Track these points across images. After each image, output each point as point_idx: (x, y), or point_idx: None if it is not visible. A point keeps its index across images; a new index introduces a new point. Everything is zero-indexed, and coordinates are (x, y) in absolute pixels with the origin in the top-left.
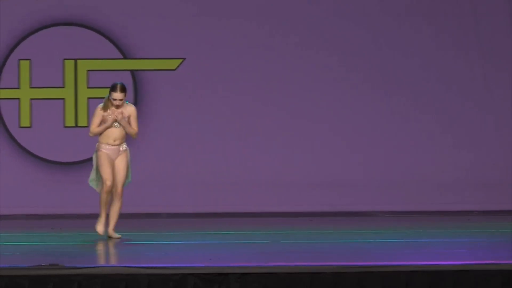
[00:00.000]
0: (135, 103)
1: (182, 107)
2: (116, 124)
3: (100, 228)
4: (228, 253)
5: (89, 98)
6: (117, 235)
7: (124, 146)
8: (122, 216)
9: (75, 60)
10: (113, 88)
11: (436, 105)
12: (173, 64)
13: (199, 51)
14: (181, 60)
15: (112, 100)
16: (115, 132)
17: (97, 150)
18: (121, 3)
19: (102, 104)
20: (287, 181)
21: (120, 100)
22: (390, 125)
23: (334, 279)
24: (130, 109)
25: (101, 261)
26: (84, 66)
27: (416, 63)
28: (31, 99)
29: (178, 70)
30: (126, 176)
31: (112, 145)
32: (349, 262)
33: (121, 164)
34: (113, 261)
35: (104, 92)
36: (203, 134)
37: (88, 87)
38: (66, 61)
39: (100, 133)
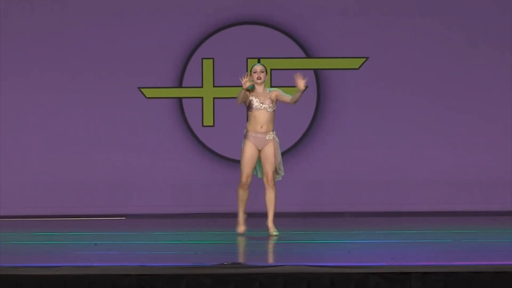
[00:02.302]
0: (317, 102)
1: (365, 106)
2: (260, 104)
3: (239, 228)
4: (410, 252)
5: None
6: (275, 232)
7: (271, 135)
8: (304, 215)
9: (258, 59)
10: (253, 65)
11: None
12: (356, 63)
13: (383, 50)
14: (365, 59)
15: (253, 74)
16: (262, 117)
17: (244, 137)
18: (304, 1)
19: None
20: (469, 180)
21: (261, 72)
22: None
23: None
24: (274, 90)
25: (283, 260)
26: (267, 65)
27: None
28: (214, 98)
29: (361, 69)
30: (277, 167)
31: (259, 133)
32: None
33: (268, 152)
34: (295, 260)
35: (287, 91)
36: (385, 134)
37: (272, 86)
38: (249, 60)
39: (242, 99)
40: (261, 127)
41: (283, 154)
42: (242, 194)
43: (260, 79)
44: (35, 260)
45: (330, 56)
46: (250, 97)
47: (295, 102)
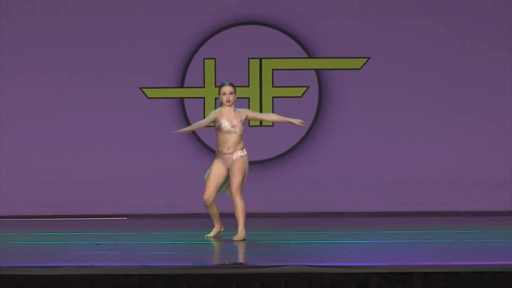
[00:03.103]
0: (319, 102)
1: (366, 106)
2: (231, 128)
3: (210, 235)
4: (411, 252)
5: (274, 97)
6: (242, 237)
7: (239, 153)
8: (305, 215)
9: (260, 59)
10: (221, 85)
11: None
12: (358, 63)
13: (384, 50)
14: (366, 59)
15: (222, 96)
16: (232, 140)
17: (215, 157)
18: (305, 1)
19: (217, 109)
20: (469, 180)
21: (230, 93)
22: None
23: None
24: (244, 111)
25: (284, 260)
26: (269, 65)
27: None
28: (216, 98)
29: (362, 69)
30: (241, 180)
31: (226, 154)
32: None
33: (235, 167)
34: (296, 260)
35: (289, 91)
36: (386, 134)
37: (273, 86)
38: (251, 60)
39: (191, 130)
40: (228, 148)
41: (284, 154)
42: (209, 209)
43: (229, 102)
44: (36, 260)
45: (332, 56)
46: (221, 120)
47: (274, 122)
